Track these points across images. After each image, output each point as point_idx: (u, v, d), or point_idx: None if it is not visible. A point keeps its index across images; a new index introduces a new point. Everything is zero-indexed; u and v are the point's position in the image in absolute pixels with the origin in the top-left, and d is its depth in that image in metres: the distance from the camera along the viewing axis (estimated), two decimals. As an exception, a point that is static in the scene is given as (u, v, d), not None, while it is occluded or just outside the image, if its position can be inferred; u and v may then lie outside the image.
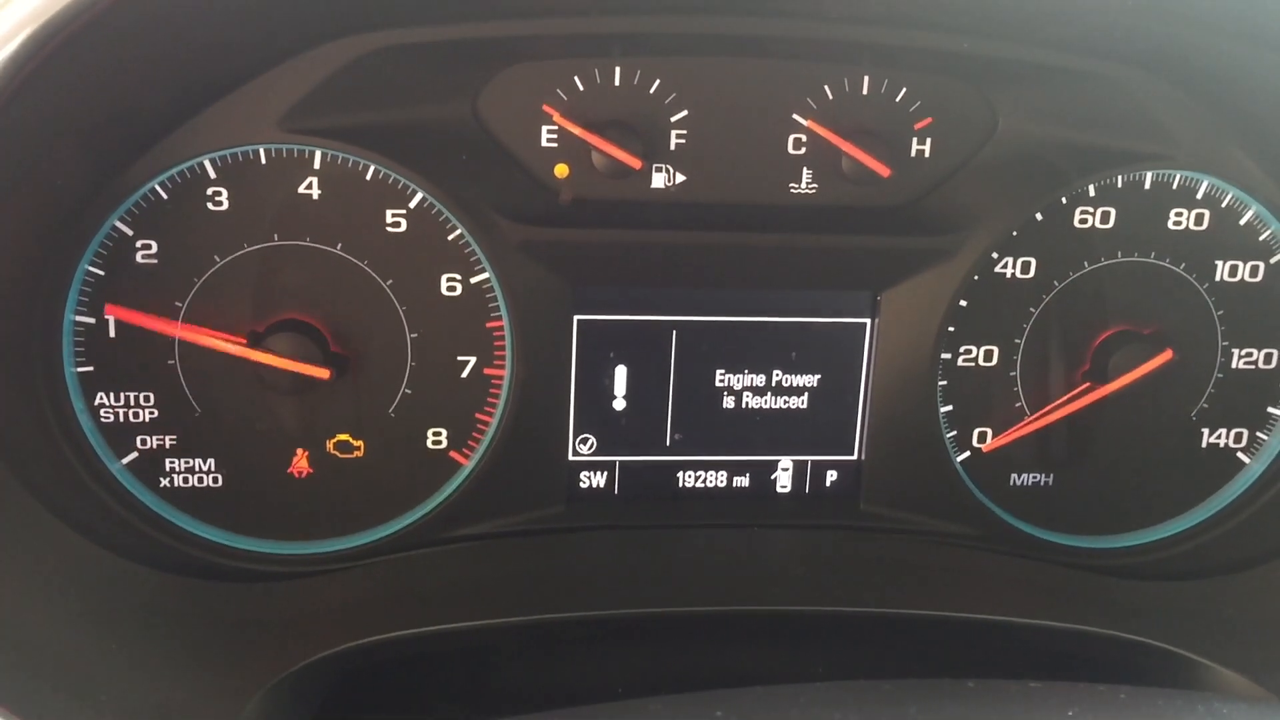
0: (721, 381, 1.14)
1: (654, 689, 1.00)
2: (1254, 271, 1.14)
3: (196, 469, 1.09)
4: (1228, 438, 1.19)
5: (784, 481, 1.18)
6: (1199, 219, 1.12)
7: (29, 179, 0.89)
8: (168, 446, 1.08)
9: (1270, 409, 1.18)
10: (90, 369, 1.04)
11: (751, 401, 1.15)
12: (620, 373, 1.12)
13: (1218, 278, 1.14)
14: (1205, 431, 1.19)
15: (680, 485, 1.17)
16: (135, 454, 1.07)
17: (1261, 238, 1.13)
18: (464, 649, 1.04)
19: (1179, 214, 1.12)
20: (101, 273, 1.01)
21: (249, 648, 0.99)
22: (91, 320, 1.03)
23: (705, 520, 1.16)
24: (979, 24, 1.03)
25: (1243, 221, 1.13)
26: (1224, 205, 1.12)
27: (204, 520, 1.10)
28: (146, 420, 1.07)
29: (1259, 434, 1.19)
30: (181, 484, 1.09)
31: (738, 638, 1.09)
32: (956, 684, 0.80)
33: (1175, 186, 1.11)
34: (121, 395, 1.05)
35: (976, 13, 1.02)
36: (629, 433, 1.14)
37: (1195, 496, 1.21)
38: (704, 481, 1.17)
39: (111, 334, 1.03)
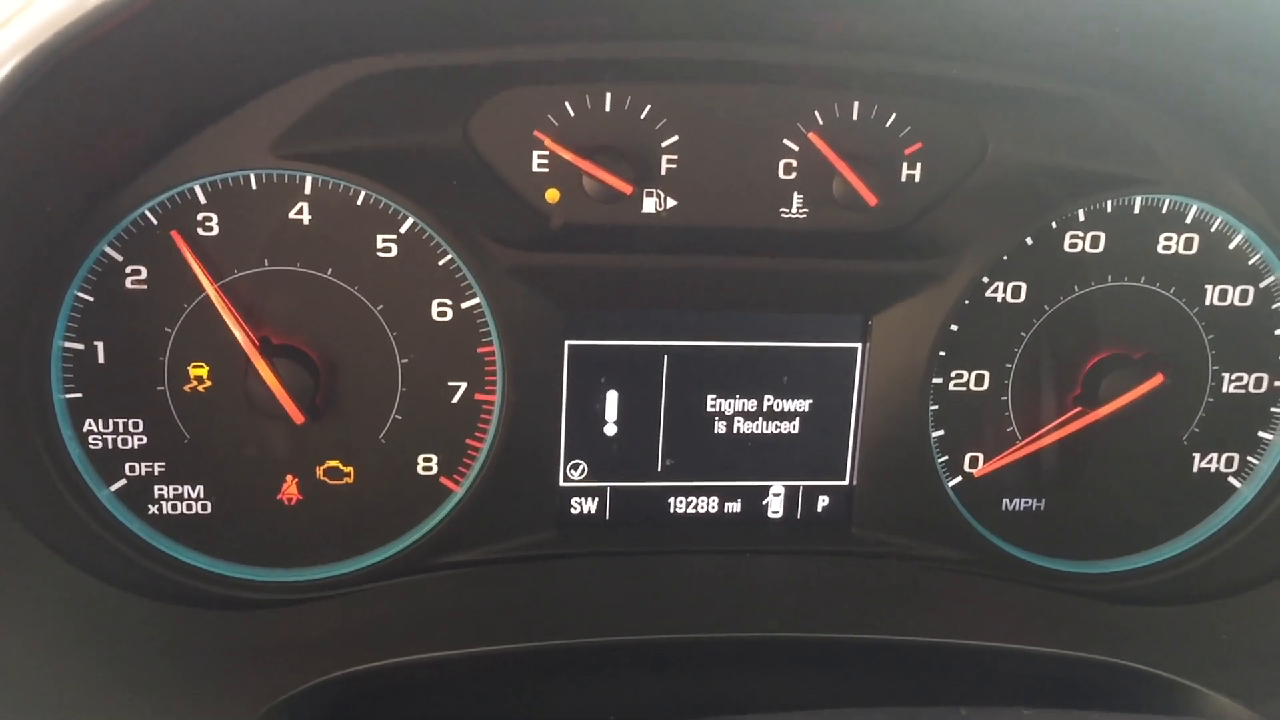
0: (713, 406, 1.14)
1: (646, 716, 1.00)
2: (1244, 295, 1.14)
3: (185, 496, 1.08)
4: (1219, 462, 1.19)
5: (776, 507, 1.18)
6: (1188, 243, 1.13)
7: (18, 205, 0.89)
8: (156, 473, 1.07)
9: (1261, 433, 1.18)
10: (79, 395, 1.03)
11: (743, 426, 1.14)
12: (611, 398, 1.12)
13: (1208, 302, 1.14)
14: (1196, 456, 1.19)
15: (672, 511, 1.16)
16: (124, 481, 1.07)
17: (1251, 261, 1.14)
18: (456, 676, 1.03)
19: (1168, 238, 1.12)
20: (91, 299, 1.01)
21: (239, 675, 0.99)
22: (80, 346, 1.02)
23: (697, 546, 1.16)
24: (969, 50, 1.04)
25: (1232, 245, 1.13)
26: (1213, 229, 1.13)
27: (193, 547, 1.10)
28: (135, 447, 1.06)
29: (1250, 458, 1.19)
30: (170, 511, 1.08)
31: (730, 664, 1.08)
32: (950, 711, 0.79)
33: (1164, 211, 1.12)
34: (110, 422, 1.05)
35: (967, 38, 1.02)
36: (620, 458, 1.14)
37: (1187, 521, 1.21)
38: (695, 507, 1.17)
39: (101, 360, 1.03)
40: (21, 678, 0.91)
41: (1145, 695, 1.02)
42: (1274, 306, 1.15)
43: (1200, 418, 1.17)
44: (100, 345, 1.03)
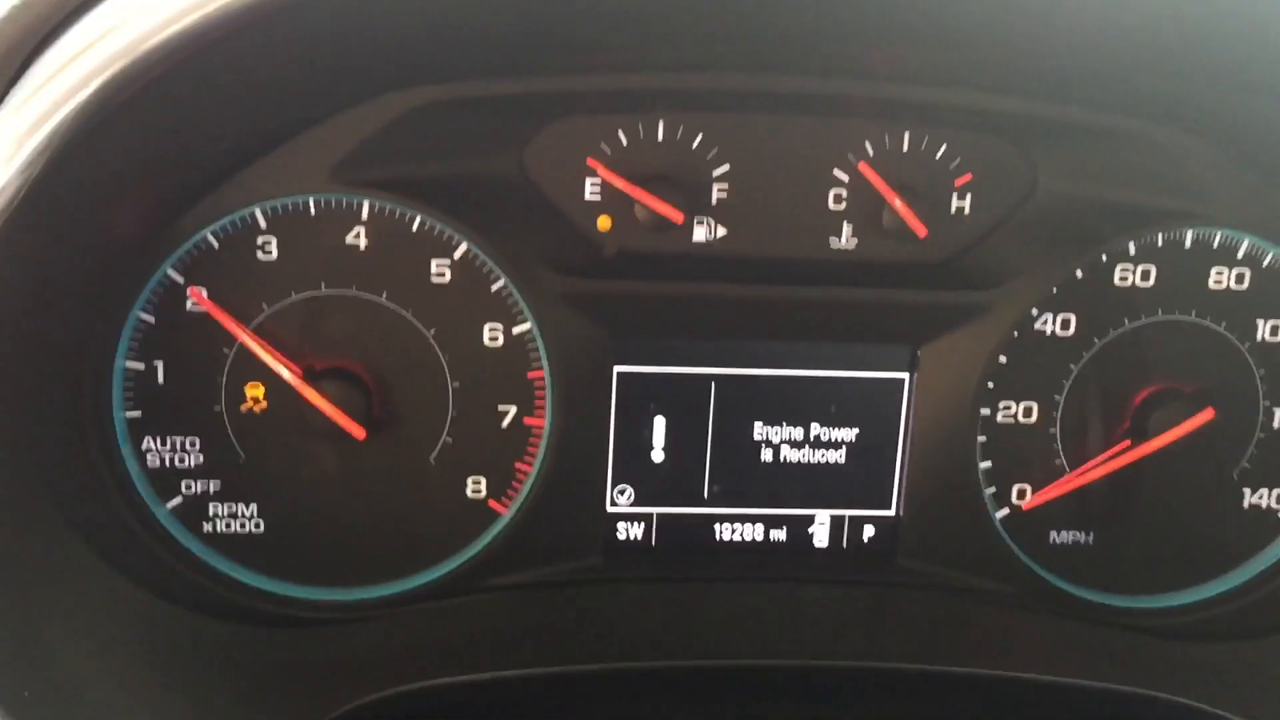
0: (760, 434, 1.14)
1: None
2: (1295, 331, 1.14)
3: (239, 514, 1.10)
4: (1270, 498, 1.18)
5: (821, 536, 1.18)
6: (1240, 278, 1.12)
7: (88, 226, 0.91)
8: (212, 492, 1.09)
9: (1312, 469, 1.18)
10: (138, 414, 1.06)
11: (789, 455, 1.15)
12: (659, 424, 1.13)
13: (1259, 337, 1.14)
14: (1247, 491, 1.18)
15: (718, 538, 1.17)
16: (180, 499, 1.09)
17: (1303, 297, 1.13)
18: (502, 698, 1.04)
19: (1219, 272, 1.12)
20: (152, 319, 1.03)
21: (288, 693, 1.00)
22: (141, 366, 1.04)
23: (742, 574, 1.16)
24: (1019, 82, 1.05)
25: (1284, 281, 1.13)
26: (1265, 264, 1.12)
27: (246, 565, 1.11)
28: (192, 465, 1.08)
29: (1302, 495, 1.18)
30: (224, 529, 1.10)
31: (774, 692, 1.08)
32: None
33: (1216, 245, 1.11)
34: (168, 440, 1.07)
35: (1017, 71, 1.03)
36: (667, 484, 1.15)
37: (1237, 557, 1.20)
38: (741, 534, 1.17)
39: (160, 380, 1.05)
40: (78, 690, 0.93)
41: (1194, 732, 1.02)
42: (1326, 342, 1.14)
43: (1251, 453, 1.17)
44: (160, 365, 1.05)
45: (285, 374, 1.04)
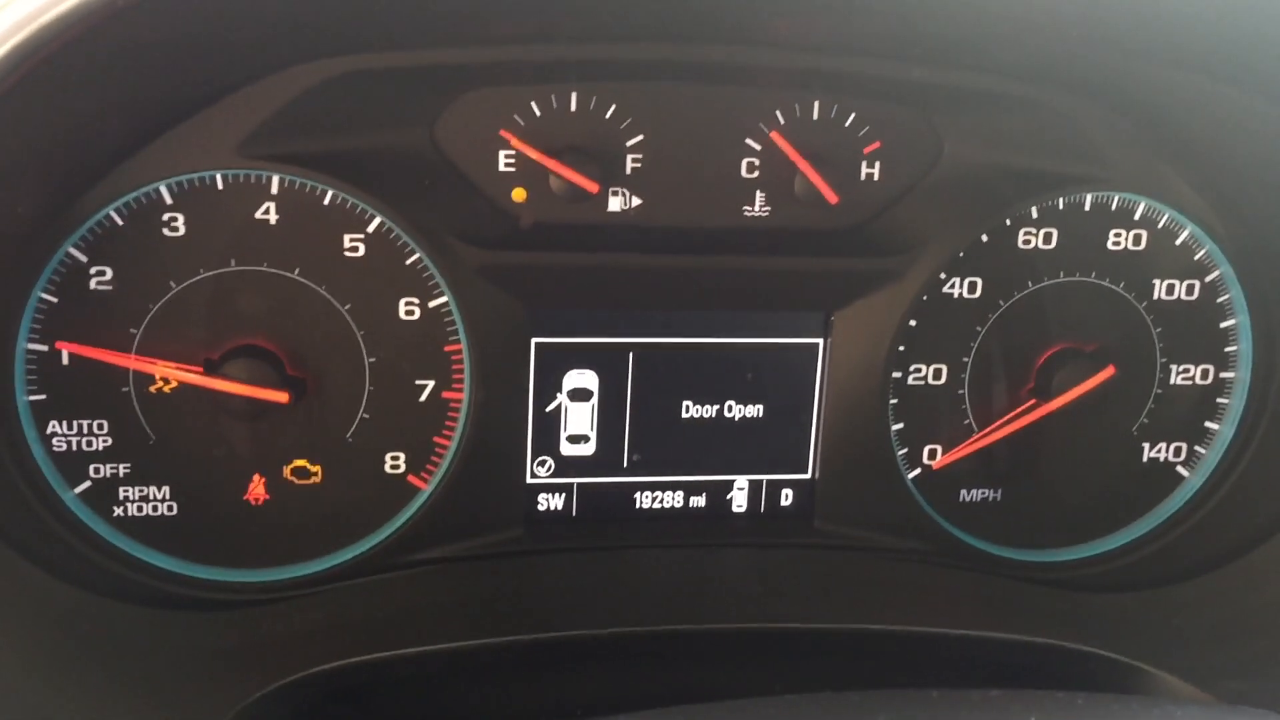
0: (678, 403, 1.15)
1: (615, 709, 1.01)
2: (1190, 290, 1.18)
3: (151, 497, 1.08)
4: (1167, 452, 1.23)
5: (740, 501, 1.19)
6: (1137, 239, 1.16)
7: (-14, 205, 0.89)
8: (121, 475, 1.07)
9: (1207, 423, 1.22)
10: (43, 397, 1.03)
11: (707, 422, 1.16)
12: (578, 395, 1.13)
13: (1155, 296, 1.18)
14: (1146, 446, 1.22)
15: (638, 506, 1.18)
16: (88, 483, 1.06)
17: (1196, 257, 1.17)
18: (424, 674, 1.04)
19: (1118, 234, 1.16)
20: (55, 300, 1.00)
21: (206, 677, 0.99)
22: (44, 348, 1.01)
23: (663, 541, 1.17)
24: (924, 51, 1.06)
25: (1178, 241, 1.16)
26: (1160, 226, 1.16)
27: (158, 549, 1.09)
28: (100, 449, 1.05)
29: (1197, 448, 1.23)
30: (135, 513, 1.08)
31: (697, 656, 1.10)
32: (921, 694, 0.81)
33: (1114, 208, 1.15)
34: (74, 423, 1.04)
35: (922, 40, 1.04)
36: (587, 455, 1.15)
37: (1137, 510, 1.24)
38: (661, 502, 1.18)
39: (65, 362, 1.02)
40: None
41: (1101, 678, 1.05)
42: (1219, 300, 1.18)
43: (1149, 409, 1.21)
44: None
45: (187, 378, 1.02)
